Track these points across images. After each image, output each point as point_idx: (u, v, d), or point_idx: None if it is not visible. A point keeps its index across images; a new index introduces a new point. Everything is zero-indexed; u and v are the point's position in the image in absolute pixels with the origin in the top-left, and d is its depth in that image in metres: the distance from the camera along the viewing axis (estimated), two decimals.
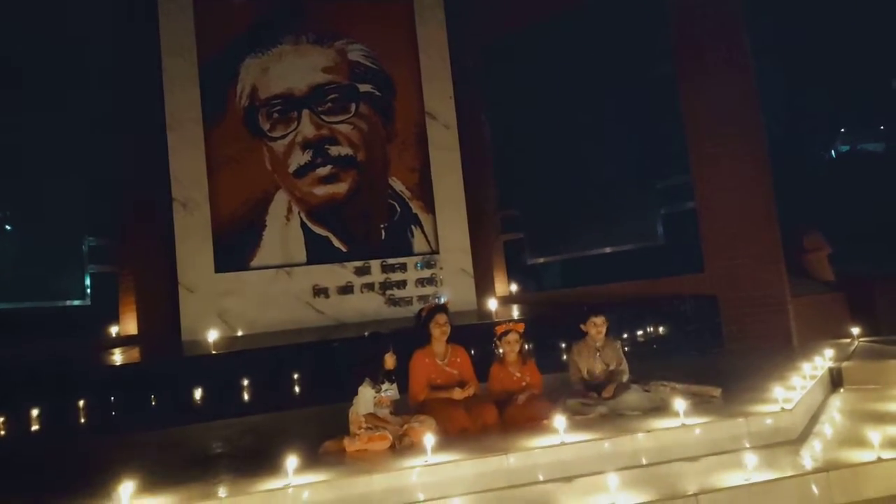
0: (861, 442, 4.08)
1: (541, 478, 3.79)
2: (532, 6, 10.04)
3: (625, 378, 4.97)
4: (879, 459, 3.81)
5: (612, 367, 5.06)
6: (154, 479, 3.87)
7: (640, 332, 7.62)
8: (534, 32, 10.13)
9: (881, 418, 4.70)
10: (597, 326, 5.09)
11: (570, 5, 9.73)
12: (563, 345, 6.48)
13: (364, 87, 9.82)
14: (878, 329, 7.80)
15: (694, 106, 8.59)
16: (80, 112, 8.69)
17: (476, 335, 6.01)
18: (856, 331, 7.53)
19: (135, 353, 7.94)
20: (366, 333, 4.88)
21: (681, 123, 8.72)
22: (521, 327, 5.04)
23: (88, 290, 8.73)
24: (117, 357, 7.52)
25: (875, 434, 3.97)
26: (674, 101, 8.81)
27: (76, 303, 8.66)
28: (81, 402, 5.82)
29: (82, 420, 5.78)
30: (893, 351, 6.38)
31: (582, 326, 5.18)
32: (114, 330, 8.75)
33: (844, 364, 6.12)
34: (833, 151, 14.83)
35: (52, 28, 8.52)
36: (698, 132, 8.56)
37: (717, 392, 4.83)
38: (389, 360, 4.52)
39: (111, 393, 5.93)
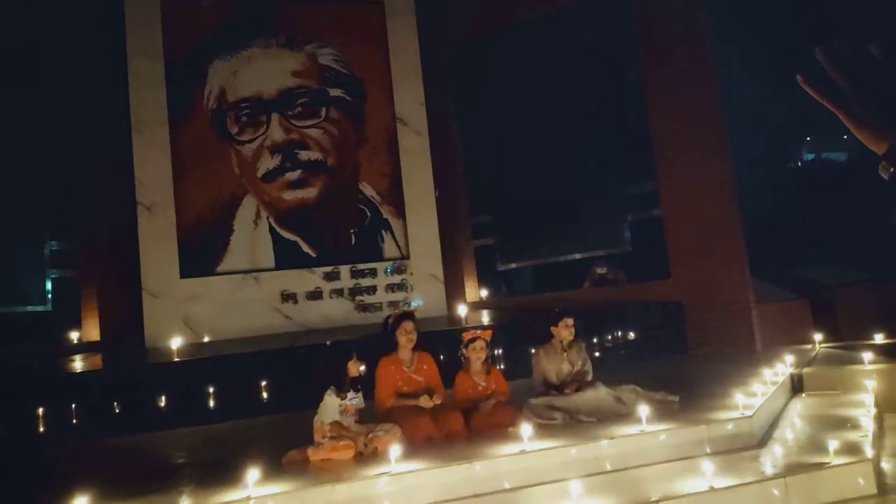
0: (818, 447, 4.16)
1: (506, 485, 3.79)
2: (502, 12, 10.10)
3: (589, 378, 5.05)
4: (835, 464, 3.89)
5: (577, 368, 5.14)
6: (113, 490, 3.78)
7: (608, 338, 7.68)
8: (504, 38, 10.20)
9: (839, 424, 4.79)
10: (569, 327, 5.15)
11: (539, 11, 9.80)
12: (533, 350, 6.48)
13: (335, 92, 9.74)
14: (839, 335, 7.96)
15: (660, 113, 8.72)
16: (43, 113, 8.50)
17: (445, 341, 5.99)
18: (818, 337, 7.66)
19: (96, 360, 7.77)
20: (327, 343, 4.83)
21: (648, 130, 8.85)
22: (488, 335, 5.03)
23: (49, 295, 8.54)
24: (78, 364, 7.35)
25: (832, 440, 4.05)
26: (642, 108, 8.93)
27: (37, 308, 8.46)
28: (40, 410, 5.68)
29: (40, 428, 5.63)
30: (853, 357, 6.50)
31: (553, 328, 5.21)
32: (75, 336, 8.55)
33: (805, 370, 6.23)
34: (799, 160, 15.15)
35: (14, 25, 8.33)
36: (664, 139, 8.68)
37: (675, 398, 4.91)
38: (353, 368, 4.45)
39: (70, 401, 5.79)
